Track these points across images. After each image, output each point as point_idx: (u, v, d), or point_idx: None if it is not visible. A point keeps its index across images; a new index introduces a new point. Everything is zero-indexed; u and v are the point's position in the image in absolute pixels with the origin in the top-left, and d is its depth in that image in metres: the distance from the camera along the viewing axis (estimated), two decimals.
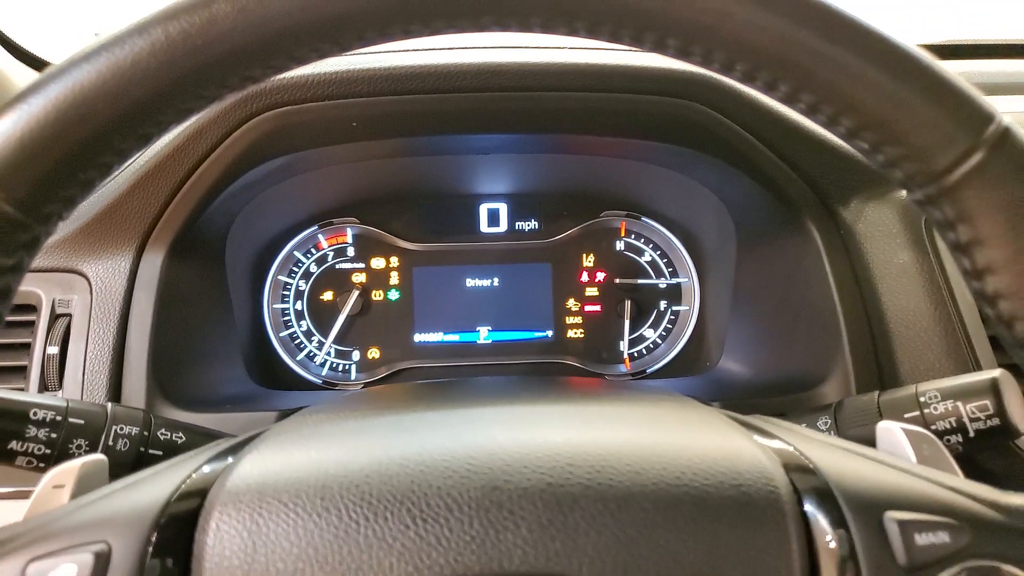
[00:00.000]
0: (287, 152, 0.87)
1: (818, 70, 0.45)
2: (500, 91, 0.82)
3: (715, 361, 1.12)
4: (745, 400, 0.89)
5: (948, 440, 0.65)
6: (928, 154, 0.45)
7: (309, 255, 1.19)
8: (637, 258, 1.21)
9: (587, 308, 1.21)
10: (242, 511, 0.40)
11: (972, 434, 0.65)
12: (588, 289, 1.21)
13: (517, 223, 1.21)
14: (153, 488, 0.44)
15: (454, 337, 1.20)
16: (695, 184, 1.04)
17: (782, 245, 0.96)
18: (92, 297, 0.90)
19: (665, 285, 1.21)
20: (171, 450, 0.70)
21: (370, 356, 1.19)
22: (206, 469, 0.46)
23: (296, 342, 1.18)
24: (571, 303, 1.21)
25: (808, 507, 0.43)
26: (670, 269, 1.21)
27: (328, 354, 1.18)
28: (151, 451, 0.69)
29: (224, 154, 0.85)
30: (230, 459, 0.47)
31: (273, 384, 1.14)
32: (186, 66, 0.42)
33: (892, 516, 0.44)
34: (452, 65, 0.81)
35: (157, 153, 0.87)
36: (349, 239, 1.19)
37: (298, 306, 1.18)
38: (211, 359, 0.99)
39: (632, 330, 1.20)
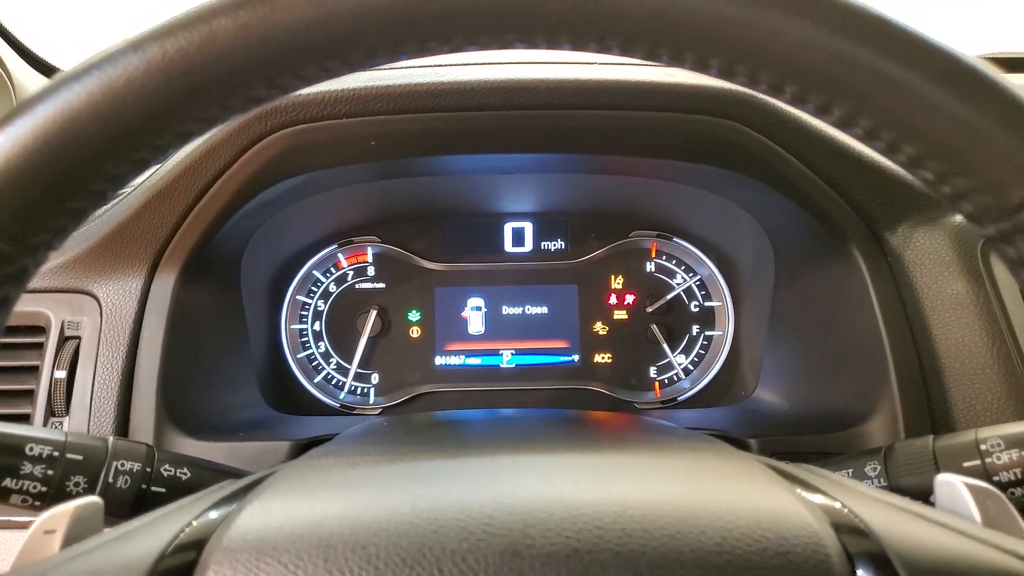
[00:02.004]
0: (303, 171, 0.84)
1: (877, 92, 0.40)
2: (525, 109, 0.78)
3: (750, 391, 1.06)
4: (782, 436, 0.83)
5: (1013, 493, 0.60)
6: (1002, 186, 0.40)
7: (328, 274, 1.16)
8: (668, 280, 1.16)
9: (615, 332, 1.16)
10: (238, 570, 0.36)
11: None
12: (616, 312, 1.16)
13: (543, 243, 1.17)
14: (147, 540, 0.40)
15: (476, 361, 1.15)
16: (731, 205, 0.99)
17: (824, 271, 0.91)
18: (102, 319, 0.87)
19: (698, 308, 1.16)
20: (175, 487, 0.66)
21: (390, 379, 1.15)
22: (204, 519, 0.43)
23: (314, 364, 1.15)
24: (598, 326, 1.16)
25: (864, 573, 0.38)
26: (703, 292, 1.16)
27: (347, 377, 1.14)
28: (153, 488, 0.65)
29: (238, 173, 0.81)
30: (231, 507, 0.44)
31: (290, 408, 1.11)
32: (184, 86, 0.39)
33: None
34: (475, 82, 0.77)
35: (169, 171, 0.84)
36: (369, 258, 1.16)
37: (316, 327, 1.15)
38: (224, 384, 0.96)
39: (662, 356, 1.15)
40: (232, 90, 0.40)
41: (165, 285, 0.87)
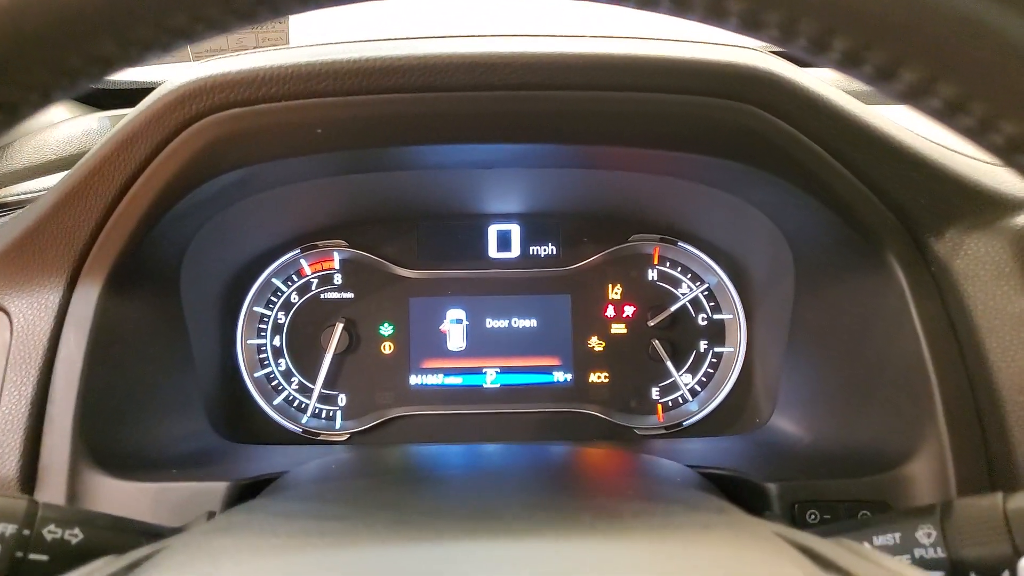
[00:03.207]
0: (241, 165, 0.71)
1: (968, 48, 0.29)
2: (500, 90, 0.65)
3: (765, 418, 0.93)
4: (805, 479, 0.70)
5: None
6: None
7: (290, 283, 1.03)
8: (672, 290, 1.03)
9: (613, 348, 1.03)
10: None
11: None
12: (614, 326, 1.03)
13: (532, 248, 1.04)
14: None
15: (457, 380, 1.03)
16: (745, 205, 0.86)
17: (854, 282, 0.78)
18: (12, 338, 0.75)
19: (706, 322, 1.03)
20: (60, 553, 0.54)
21: (359, 401, 1.02)
22: None
23: (274, 384, 1.02)
24: (594, 342, 1.03)
25: None
26: (711, 304, 1.03)
27: (310, 398, 1.02)
28: (31, 556, 0.53)
29: (162, 167, 0.69)
30: None
31: (245, 436, 0.98)
32: None
33: None
34: (439, 56, 0.64)
35: (84, 165, 0.72)
36: (336, 265, 1.03)
37: (276, 342, 1.02)
38: (161, 412, 0.83)
39: (666, 375, 1.02)
40: (67, 46, 0.29)
41: (88, 298, 0.75)
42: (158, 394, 0.84)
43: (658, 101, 0.67)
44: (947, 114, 0.32)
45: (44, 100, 0.31)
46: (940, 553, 0.52)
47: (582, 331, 1.03)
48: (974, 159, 0.72)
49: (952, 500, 0.53)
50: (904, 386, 0.71)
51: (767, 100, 0.66)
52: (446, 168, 0.89)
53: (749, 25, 0.30)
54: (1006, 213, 0.69)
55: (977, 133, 0.32)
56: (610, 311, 1.03)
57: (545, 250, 1.04)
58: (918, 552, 0.53)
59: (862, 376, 0.78)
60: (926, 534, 0.53)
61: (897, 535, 0.54)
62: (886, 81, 0.31)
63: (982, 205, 0.69)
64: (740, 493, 0.73)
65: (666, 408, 1.03)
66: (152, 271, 0.82)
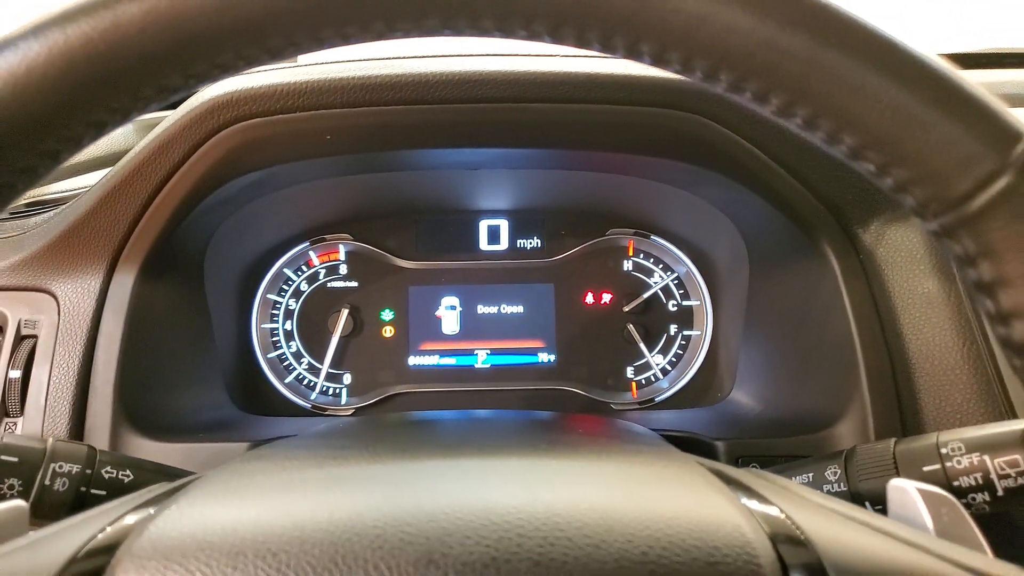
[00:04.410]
0: (260, 167, 0.82)
1: (812, 79, 0.38)
2: (484, 102, 0.76)
3: (726, 392, 1.04)
4: (754, 439, 0.81)
5: (973, 498, 0.57)
6: (944, 177, 0.38)
7: (300, 272, 1.14)
8: (646, 279, 1.14)
9: (592, 332, 1.14)
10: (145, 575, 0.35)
11: (1001, 493, 0.57)
12: (593, 311, 1.14)
13: (519, 241, 1.15)
14: (62, 543, 0.39)
15: (451, 361, 1.14)
16: (705, 203, 0.97)
17: (797, 270, 0.88)
18: (60, 318, 0.85)
19: (676, 308, 1.14)
20: (115, 489, 0.65)
21: (362, 380, 1.13)
22: (122, 523, 0.41)
23: (285, 364, 1.13)
24: (575, 326, 1.14)
25: None
26: (681, 291, 1.14)
27: (318, 377, 1.13)
28: (93, 491, 0.64)
29: (192, 169, 0.80)
30: (150, 511, 0.42)
31: (260, 409, 1.09)
32: (89, 74, 0.37)
33: None
34: (431, 74, 0.75)
35: (124, 167, 0.82)
36: (342, 256, 1.14)
37: (287, 326, 1.13)
38: (187, 384, 0.94)
39: (640, 356, 1.13)
40: (143, 79, 0.38)
41: (124, 283, 0.86)
42: (184, 369, 0.95)
43: (621, 112, 0.78)
44: (804, 129, 0.42)
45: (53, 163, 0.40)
46: (843, 487, 0.63)
47: (564, 316, 1.14)
48: None
49: (856, 446, 0.64)
50: (837, 359, 0.82)
51: (712, 111, 0.76)
52: (439, 169, 0.99)
53: (631, 54, 0.39)
54: None
55: (827, 143, 0.42)
56: (589, 298, 1.14)
57: (531, 243, 1.15)
58: (825, 487, 0.64)
59: (804, 352, 0.88)
60: (832, 472, 0.64)
61: (811, 474, 0.65)
62: (755, 102, 0.41)
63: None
64: (693, 450, 0.83)
65: (640, 386, 1.13)
66: (180, 261, 0.93)
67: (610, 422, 0.84)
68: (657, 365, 1.13)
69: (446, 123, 0.78)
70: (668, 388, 1.12)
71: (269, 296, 1.13)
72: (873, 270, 0.80)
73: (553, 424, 0.68)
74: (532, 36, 0.38)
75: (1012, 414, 0.71)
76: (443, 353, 1.14)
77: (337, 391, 1.13)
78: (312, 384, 1.13)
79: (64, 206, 0.91)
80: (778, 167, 0.79)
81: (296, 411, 1.12)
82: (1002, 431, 0.58)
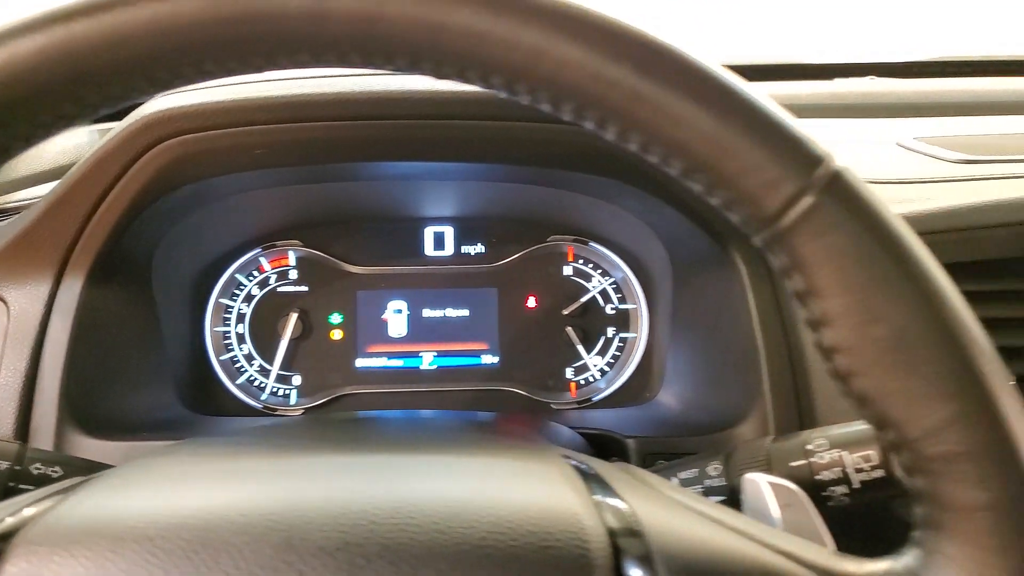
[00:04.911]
0: (195, 180, 0.86)
1: (638, 110, 0.42)
2: (405, 119, 0.80)
3: (655, 393, 1.08)
4: (665, 437, 0.86)
5: (834, 491, 0.62)
6: (757, 198, 0.42)
7: (251, 278, 1.18)
8: (585, 283, 1.18)
9: (534, 334, 1.18)
10: (33, 563, 0.39)
11: (857, 485, 0.61)
12: (535, 315, 1.18)
13: (463, 247, 1.19)
14: None
15: (398, 363, 1.18)
16: (630, 214, 1.02)
17: (712, 277, 0.93)
18: (9, 322, 0.89)
19: (613, 311, 1.18)
20: (44, 485, 0.69)
21: (312, 381, 1.17)
22: (22, 513, 0.45)
23: (237, 366, 1.17)
24: (517, 329, 1.18)
25: (631, 573, 0.41)
26: (619, 295, 1.18)
27: (268, 378, 1.17)
28: (21, 486, 0.68)
29: (130, 182, 0.84)
30: (50, 502, 0.46)
31: (213, 409, 1.13)
32: None
33: None
34: (354, 93, 0.80)
35: (69, 178, 0.87)
36: (292, 262, 1.18)
37: (240, 329, 1.17)
38: (135, 385, 0.98)
39: (578, 357, 1.17)
40: (41, 108, 0.42)
41: (72, 289, 0.90)
42: (132, 371, 0.99)
43: (535, 128, 0.82)
44: (642, 155, 0.46)
45: None
46: (723, 482, 0.67)
47: (507, 320, 1.18)
48: None
49: (739, 444, 0.69)
50: (744, 362, 0.86)
51: None
52: (382, 180, 1.04)
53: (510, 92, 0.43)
54: None
55: (662, 167, 0.46)
56: (531, 302, 1.18)
57: (475, 249, 1.19)
58: (708, 482, 0.68)
59: (718, 355, 0.93)
60: (714, 468, 0.69)
61: (695, 470, 0.70)
62: (598, 130, 0.44)
63: None
64: (609, 447, 0.88)
65: (579, 386, 1.18)
66: (126, 267, 0.97)
67: (523, 422, 0.89)
68: (595, 366, 1.17)
69: (370, 139, 0.82)
70: (605, 388, 1.17)
71: (222, 301, 1.17)
72: (777, 277, 0.84)
73: (454, 425, 0.72)
74: (395, 69, 0.43)
75: None
76: (390, 355, 1.18)
77: (287, 392, 1.17)
78: (263, 385, 1.17)
79: (16, 215, 0.95)
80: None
81: (248, 411, 1.16)
82: (860, 428, 0.63)
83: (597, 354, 1.18)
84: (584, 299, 1.17)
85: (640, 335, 1.16)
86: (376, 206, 1.15)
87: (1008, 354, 0.73)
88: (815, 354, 0.80)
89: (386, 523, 0.41)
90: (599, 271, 1.18)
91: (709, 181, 0.43)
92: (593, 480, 0.52)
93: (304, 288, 1.18)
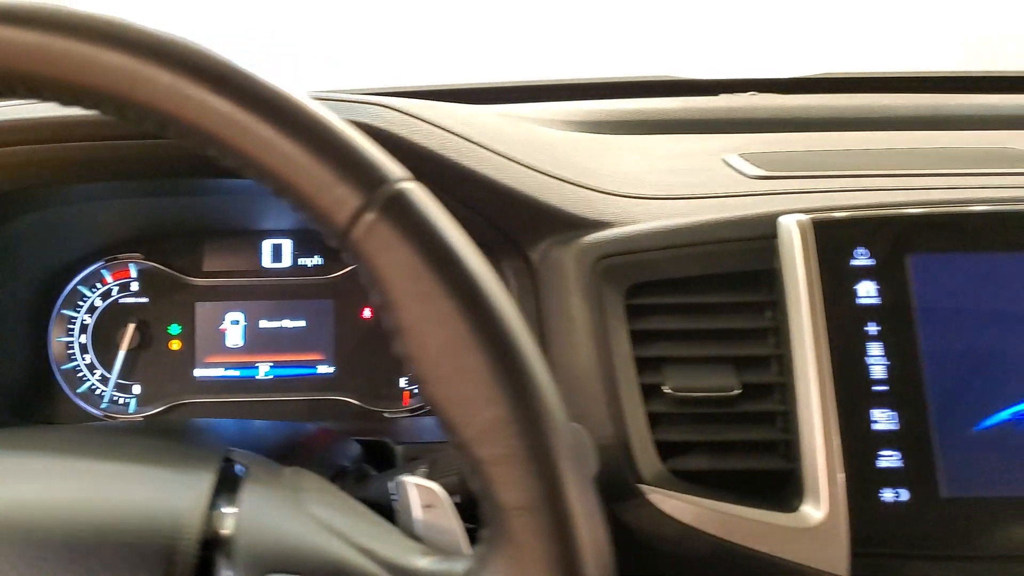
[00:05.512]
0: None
1: (229, 136, 0.45)
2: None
3: None
4: (428, 443, 0.89)
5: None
6: (331, 215, 0.46)
7: (94, 289, 1.21)
8: None
9: (368, 345, 1.21)
10: None
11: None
12: (369, 326, 1.21)
13: (300, 259, 1.22)
14: None
15: (235, 373, 1.21)
16: None
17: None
18: None
19: None
20: None
21: (151, 390, 1.20)
22: None
23: (79, 375, 1.20)
24: (353, 339, 1.21)
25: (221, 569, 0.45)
26: None
27: (110, 388, 1.20)
28: None
29: None
30: None
31: (47, 418, 1.16)
32: None
33: None
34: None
35: None
36: (133, 274, 1.21)
37: (82, 339, 1.21)
38: None
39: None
40: None
41: None
42: None
43: None
44: (244, 175, 0.48)
45: None
46: None
47: (343, 330, 1.21)
48: (578, 187, 0.91)
49: (446, 449, 0.72)
50: None
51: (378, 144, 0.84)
52: (215, 194, 1.07)
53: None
54: (577, 231, 0.87)
55: (260, 184, 0.49)
56: (367, 313, 1.21)
57: (312, 261, 1.22)
58: None
59: None
60: (421, 470, 0.72)
61: (405, 473, 0.73)
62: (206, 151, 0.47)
63: (563, 225, 0.87)
64: (385, 453, 0.92)
65: (412, 395, 1.21)
66: None
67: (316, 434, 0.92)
68: None
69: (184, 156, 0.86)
70: None
71: (65, 312, 1.20)
72: (538, 289, 0.87)
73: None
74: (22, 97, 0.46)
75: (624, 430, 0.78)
76: (227, 366, 1.21)
77: (127, 400, 1.20)
78: (103, 394, 1.20)
79: None
80: (452, 200, 0.86)
81: (88, 420, 1.19)
82: None
83: None
84: None
85: None
86: (216, 219, 1.19)
87: (749, 363, 0.77)
88: (566, 367, 0.83)
89: None
90: None
91: (294, 199, 0.46)
92: (228, 486, 0.55)
93: (145, 300, 1.21)
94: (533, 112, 1.34)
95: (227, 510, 0.52)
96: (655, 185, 0.96)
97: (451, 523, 0.58)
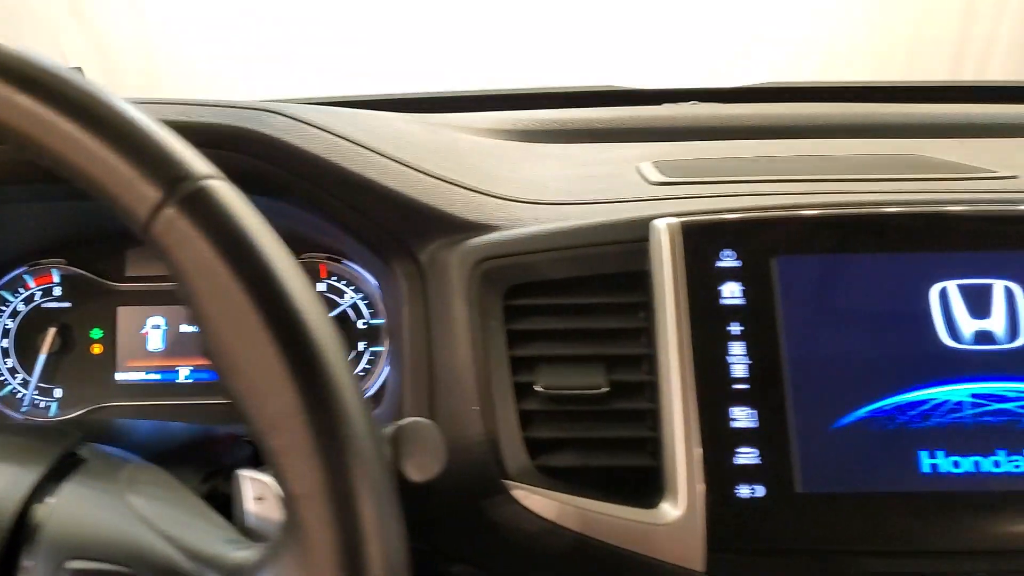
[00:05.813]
0: None
1: (30, 129, 0.47)
2: None
3: (379, 404, 1.13)
4: None
5: None
6: (131, 209, 0.47)
7: (17, 295, 1.23)
8: (337, 299, 1.23)
9: None
10: None
11: None
12: None
13: None
14: None
15: (156, 376, 1.22)
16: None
17: (392, 290, 0.97)
18: None
19: (365, 326, 1.22)
20: None
21: (72, 394, 1.21)
22: None
23: (1, 379, 1.21)
24: None
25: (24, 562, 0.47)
26: (371, 310, 1.23)
27: (30, 391, 1.21)
28: None
29: None
30: None
31: None
32: None
33: (70, 565, 0.48)
34: None
35: None
36: (56, 279, 1.23)
37: (4, 344, 1.22)
38: None
39: None
40: None
41: None
42: None
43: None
44: (63, 175, 0.50)
45: None
46: None
47: None
48: (472, 191, 0.93)
49: None
50: (404, 370, 0.91)
51: (258, 152, 0.86)
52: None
53: None
54: (466, 234, 0.88)
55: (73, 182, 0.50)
56: None
57: None
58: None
59: (395, 363, 0.97)
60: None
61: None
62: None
63: (450, 228, 0.89)
64: None
65: None
66: None
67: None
68: None
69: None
70: None
71: None
72: (427, 292, 0.89)
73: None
74: None
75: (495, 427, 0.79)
76: (148, 369, 1.22)
77: (47, 404, 1.21)
78: (23, 397, 1.21)
79: None
80: (339, 202, 0.88)
81: (6, 423, 1.20)
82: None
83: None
84: (334, 313, 1.22)
85: (386, 348, 1.21)
86: None
87: (620, 362, 0.78)
88: (447, 369, 0.84)
89: None
90: (352, 287, 1.23)
91: (103, 194, 0.48)
92: (54, 477, 0.56)
93: (67, 304, 1.22)
94: (468, 121, 1.36)
95: (50, 500, 0.53)
96: (558, 191, 0.98)
97: (278, 515, 0.59)
